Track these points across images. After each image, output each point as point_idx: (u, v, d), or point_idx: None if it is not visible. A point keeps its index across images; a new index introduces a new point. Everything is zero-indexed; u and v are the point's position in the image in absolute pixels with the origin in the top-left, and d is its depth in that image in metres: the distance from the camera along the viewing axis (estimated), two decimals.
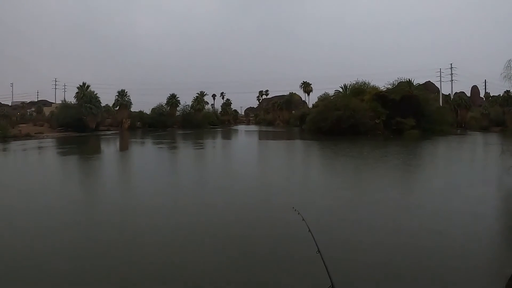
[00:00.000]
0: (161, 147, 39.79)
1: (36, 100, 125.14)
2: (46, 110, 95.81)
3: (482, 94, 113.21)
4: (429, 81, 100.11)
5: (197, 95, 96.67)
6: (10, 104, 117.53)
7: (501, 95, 77.53)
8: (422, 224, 10.31)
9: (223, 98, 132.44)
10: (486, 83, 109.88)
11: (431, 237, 9.24)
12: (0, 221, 11.18)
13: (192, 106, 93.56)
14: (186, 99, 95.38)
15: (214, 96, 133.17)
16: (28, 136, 53.86)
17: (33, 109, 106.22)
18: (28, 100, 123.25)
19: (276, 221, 10.66)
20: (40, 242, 9.10)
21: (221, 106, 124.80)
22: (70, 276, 7.14)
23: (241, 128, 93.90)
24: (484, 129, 68.15)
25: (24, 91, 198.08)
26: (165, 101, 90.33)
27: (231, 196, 14.38)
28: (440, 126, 55.52)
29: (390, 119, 53.62)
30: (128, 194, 15.56)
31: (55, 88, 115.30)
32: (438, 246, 8.51)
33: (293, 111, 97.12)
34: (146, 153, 35.60)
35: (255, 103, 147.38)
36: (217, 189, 15.83)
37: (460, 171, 21.96)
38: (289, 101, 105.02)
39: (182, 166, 25.70)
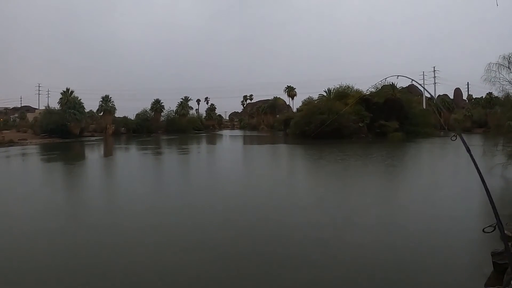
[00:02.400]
0: (145, 153, 39.49)
1: (20, 106, 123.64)
2: (30, 116, 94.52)
3: (465, 96, 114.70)
4: (412, 84, 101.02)
5: (182, 100, 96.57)
6: None
7: (484, 97, 78.92)
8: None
9: (207, 103, 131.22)
10: (469, 86, 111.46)
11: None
12: None
13: (176, 111, 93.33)
14: (170, 104, 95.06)
15: (198, 101, 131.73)
16: (11, 143, 53.05)
17: (16, 115, 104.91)
18: (11, 106, 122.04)
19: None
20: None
21: (206, 111, 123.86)
22: None
23: (226, 133, 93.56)
24: (467, 131, 69.10)
25: (7, 96, 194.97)
26: (149, 107, 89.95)
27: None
28: (424, 128, 56.20)
29: (373, 122, 54.05)
30: (104, 212, 14.69)
31: (39, 94, 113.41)
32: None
33: (278, 116, 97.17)
34: (130, 159, 35.22)
35: (239, 108, 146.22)
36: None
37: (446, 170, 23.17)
38: (273, 106, 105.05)
39: (164, 176, 24.76)
